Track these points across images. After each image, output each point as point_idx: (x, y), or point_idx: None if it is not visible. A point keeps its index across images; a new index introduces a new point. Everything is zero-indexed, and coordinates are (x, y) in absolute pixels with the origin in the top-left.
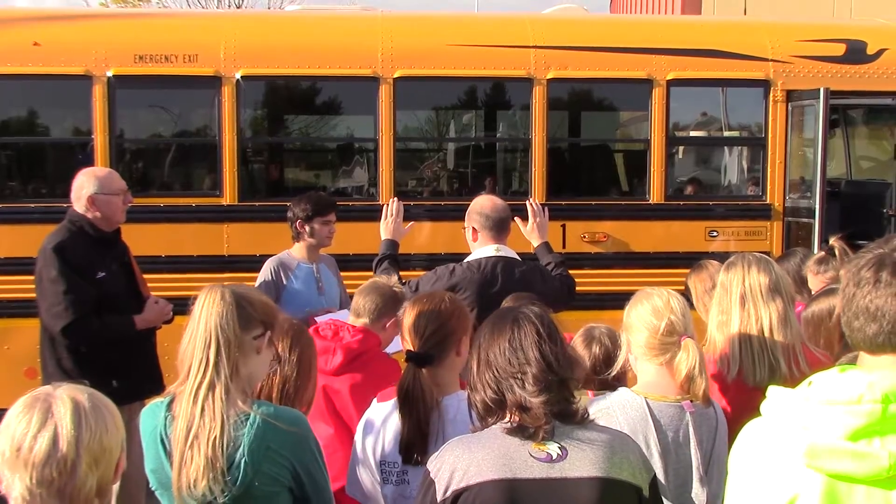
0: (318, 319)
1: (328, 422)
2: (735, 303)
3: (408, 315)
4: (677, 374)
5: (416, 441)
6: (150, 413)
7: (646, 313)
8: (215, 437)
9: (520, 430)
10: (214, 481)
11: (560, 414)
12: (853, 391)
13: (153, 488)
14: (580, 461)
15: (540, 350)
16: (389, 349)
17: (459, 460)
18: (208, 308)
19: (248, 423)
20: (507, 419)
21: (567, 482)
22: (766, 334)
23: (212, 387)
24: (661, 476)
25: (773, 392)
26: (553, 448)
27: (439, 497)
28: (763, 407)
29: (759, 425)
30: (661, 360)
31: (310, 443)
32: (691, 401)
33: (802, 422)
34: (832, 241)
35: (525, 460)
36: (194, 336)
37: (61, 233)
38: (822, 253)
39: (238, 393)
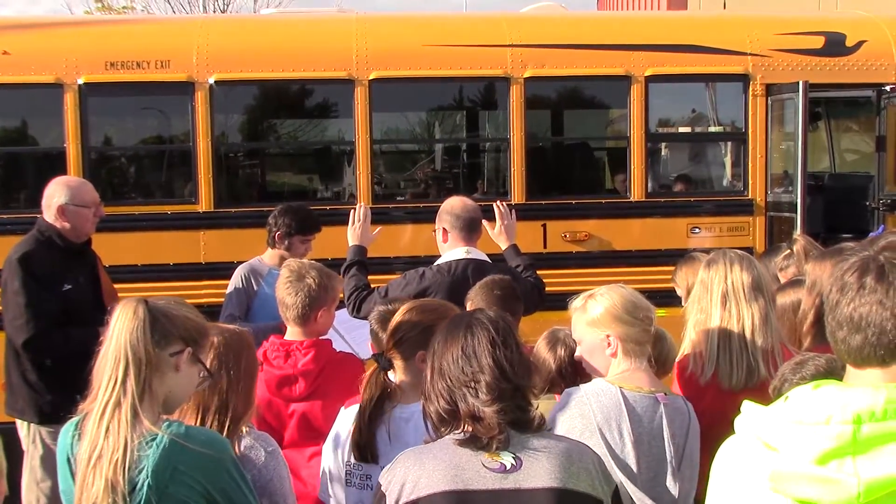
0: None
1: (312, 443)
2: (716, 302)
3: (395, 317)
4: (663, 362)
5: (367, 440)
6: (64, 432)
7: (633, 308)
8: (117, 459)
9: (472, 441)
10: None
11: (514, 423)
12: (823, 411)
13: None
14: (535, 472)
15: (493, 357)
16: (365, 355)
17: (410, 472)
18: (120, 324)
19: (154, 444)
20: (460, 430)
21: (521, 493)
22: (748, 335)
23: (118, 406)
24: (633, 467)
25: (747, 407)
26: (507, 458)
27: None
28: (736, 423)
29: (733, 443)
30: (643, 350)
31: (226, 464)
32: (665, 393)
33: (771, 442)
34: (795, 236)
35: (477, 471)
36: (106, 352)
37: (28, 243)
38: (788, 250)
39: (149, 413)
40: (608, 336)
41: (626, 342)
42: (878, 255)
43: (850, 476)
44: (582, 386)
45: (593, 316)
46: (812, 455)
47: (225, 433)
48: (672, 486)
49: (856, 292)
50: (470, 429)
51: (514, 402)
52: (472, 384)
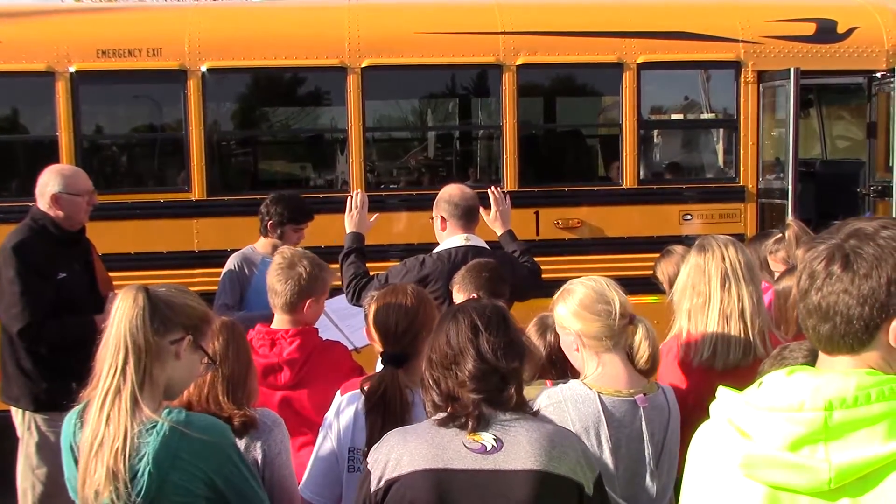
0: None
1: (302, 431)
2: (716, 284)
3: (374, 313)
4: (640, 353)
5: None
6: (67, 421)
7: (591, 301)
8: (118, 447)
9: (451, 419)
10: (116, 493)
11: (490, 401)
12: (795, 397)
13: (74, 499)
14: (515, 453)
15: (473, 342)
16: (360, 343)
17: (393, 450)
18: (121, 311)
19: (155, 432)
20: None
21: (500, 474)
22: (747, 316)
23: (118, 394)
24: (612, 470)
25: (721, 393)
26: (488, 439)
27: (373, 488)
28: (711, 408)
29: (708, 427)
30: (611, 345)
31: (227, 450)
32: (644, 394)
33: (743, 428)
34: (789, 220)
35: (458, 451)
36: (107, 340)
37: (22, 231)
38: (780, 234)
39: (149, 401)
40: (576, 333)
41: (591, 339)
42: (845, 242)
43: (822, 462)
44: (561, 389)
45: (560, 315)
46: (784, 441)
47: (243, 405)
48: (650, 485)
49: (822, 280)
50: (449, 409)
51: (492, 382)
52: (453, 367)
